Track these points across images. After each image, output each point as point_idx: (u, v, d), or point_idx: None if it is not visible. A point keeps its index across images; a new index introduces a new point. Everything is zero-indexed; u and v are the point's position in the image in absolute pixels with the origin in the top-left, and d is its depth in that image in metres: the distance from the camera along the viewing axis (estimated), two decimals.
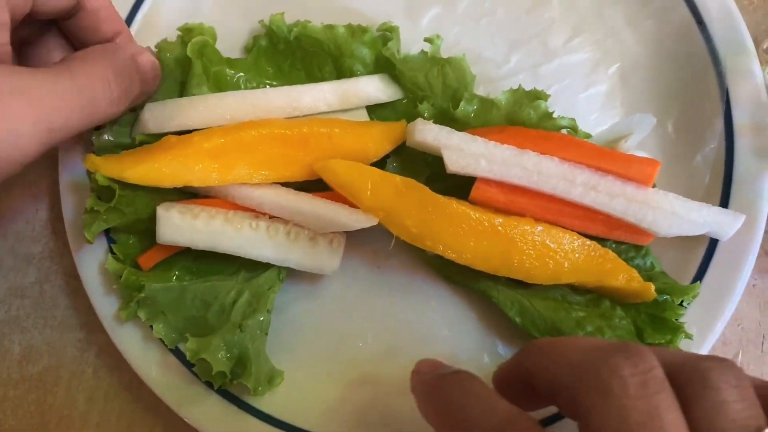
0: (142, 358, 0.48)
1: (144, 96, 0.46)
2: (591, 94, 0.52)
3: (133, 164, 0.44)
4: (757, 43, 0.51)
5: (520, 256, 0.44)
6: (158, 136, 0.46)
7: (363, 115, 0.49)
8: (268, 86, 0.50)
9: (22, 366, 0.53)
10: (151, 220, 0.45)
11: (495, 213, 0.45)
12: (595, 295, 0.47)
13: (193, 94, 0.48)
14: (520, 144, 0.44)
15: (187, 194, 0.47)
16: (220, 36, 0.51)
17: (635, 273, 0.45)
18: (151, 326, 0.47)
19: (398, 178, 0.44)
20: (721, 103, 0.49)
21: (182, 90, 0.49)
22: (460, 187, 0.46)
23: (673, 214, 0.44)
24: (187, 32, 0.49)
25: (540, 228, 0.44)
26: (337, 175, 0.44)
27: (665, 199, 0.44)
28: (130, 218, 0.46)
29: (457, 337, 0.49)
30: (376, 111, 0.49)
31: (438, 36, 0.48)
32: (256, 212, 0.47)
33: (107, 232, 0.48)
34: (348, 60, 0.49)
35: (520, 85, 0.47)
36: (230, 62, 0.50)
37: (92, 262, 0.49)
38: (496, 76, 0.52)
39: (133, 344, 0.48)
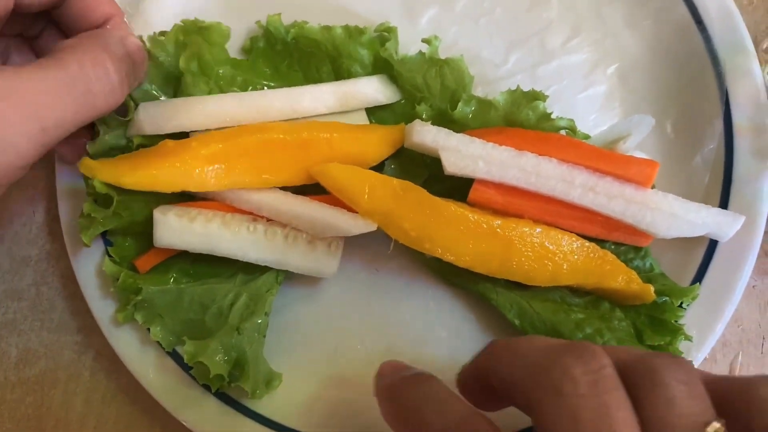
0: (139, 361, 0.48)
1: (136, 83, 0.44)
2: (590, 95, 0.51)
3: (130, 170, 0.44)
4: (757, 43, 0.50)
5: (518, 257, 0.44)
6: (154, 137, 0.46)
7: (362, 118, 0.48)
8: (265, 87, 0.50)
9: (19, 369, 0.53)
10: (148, 223, 0.45)
11: (493, 215, 0.44)
12: (594, 297, 0.47)
13: (190, 94, 0.47)
14: (519, 145, 0.44)
15: (184, 196, 0.47)
16: None
17: (634, 274, 0.45)
18: (149, 329, 0.47)
19: (395, 181, 0.44)
20: (720, 103, 0.49)
21: (177, 86, 0.48)
22: (459, 188, 0.46)
23: (672, 215, 0.44)
24: (195, 29, 0.48)
25: (539, 229, 0.44)
26: (334, 180, 0.44)
27: (664, 201, 0.44)
28: (126, 221, 0.46)
29: (455, 339, 0.49)
30: (374, 112, 0.49)
31: (436, 37, 0.48)
32: (253, 215, 0.46)
33: (104, 235, 0.48)
34: (346, 61, 0.49)
35: (518, 86, 0.47)
36: (232, 62, 0.49)
37: (89, 265, 0.49)
38: (494, 76, 0.52)
39: (130, 347, 0.48)
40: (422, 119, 0.47)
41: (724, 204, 0.48)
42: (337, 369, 0.49)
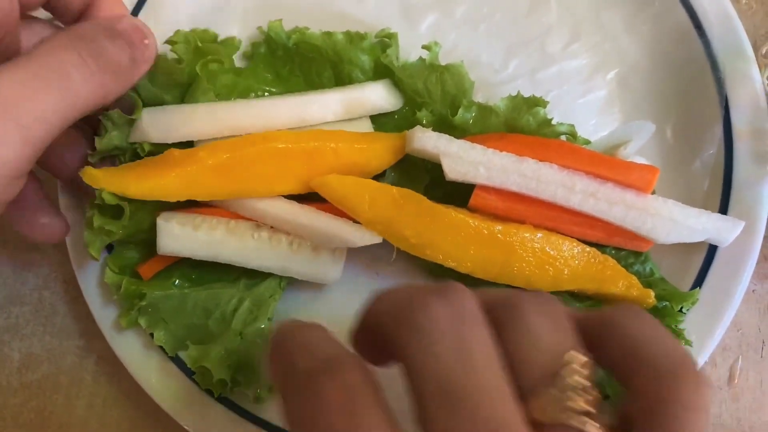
0: (142, 366, 0.48)
1: (142, 65, 0.40)
2: (589, 100, 0.52)
3: (136, 180, 0.44)
4: (756, 48, 0.51)
5: (519, 263, 0.44)
6: (160, 145, 0.45)
7: (367, 126, 0.49)
8: (267, 93, 0.50)
9: (22, 373, 0.53)
10: (151, 230, 0.45)
11: (494, 220, 0.45)
12: (594, 302, 0.47)
13: (198, 100, 0.47)
14: (519, 151, 0.44)
15: (187, 202, 0.47)
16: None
17: (635, 280, 0.45)
18: (151, 334, 0.47)
19: (395, 189, 0.44)
20: (719, 108, 0.49)
21: (184, 92, 0.48)
22: (460, 193, 0.46)
23: (672, 221, 0.44)
24: (203, 38, 0.48)
25: (539, 235, 0.44)
26: (334, 190, 0.44)
27: (664, 206, 0.44)
28: (132, 230, 0.46)
29: None
30: (375, 118, 0.49)
31: (436, 43, 0.48)
32: (258, 222, 0.46)
33: None
34: (347, 66, 0.49)
35: (518, 91, 0.47)
36: (233, 70, 0.49)
37: (91, 270, 0.49)
38: (494, 81, 0.52)
39: (132, 352, 0.48)
40: (423, 125, 0.47)
41: (724, 208, 0.48)
42: None
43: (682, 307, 0.46)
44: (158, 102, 0.47)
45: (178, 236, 0.45)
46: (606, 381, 0.30)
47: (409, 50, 0.50)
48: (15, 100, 0.34)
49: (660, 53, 0.52)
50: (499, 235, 0.44)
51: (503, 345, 0.28)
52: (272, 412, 0.47)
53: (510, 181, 0.44)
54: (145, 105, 0.46)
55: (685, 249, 0.47)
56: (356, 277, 0.50)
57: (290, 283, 0.49)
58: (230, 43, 0.49)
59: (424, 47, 0.48)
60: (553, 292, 0.45)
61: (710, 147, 0.49)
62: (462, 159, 0.44)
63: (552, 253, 0.44)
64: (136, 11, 0.51)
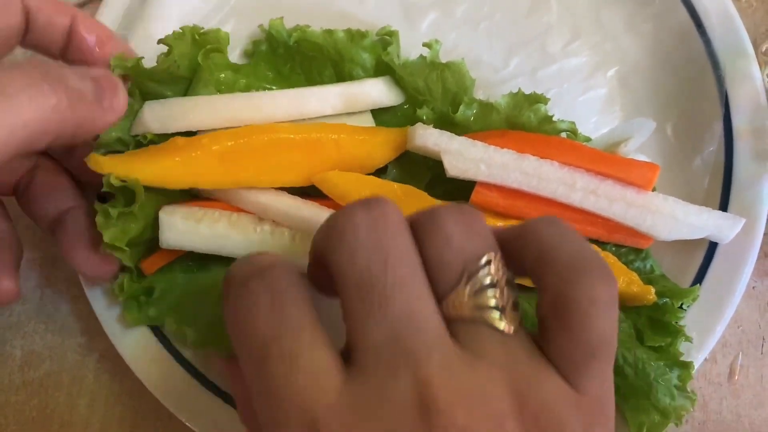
0: (144, 364, 0.48)
1: (110, 113, 0.39)
2: (590, 98, 0.52)
3: (140, 165, 0.43)
4: (756, 46, 0.51)
5: None
6: (163, 135, 0.45)
7: (369, 120, 0.49)
8: (268, 90, 0.50)
9: (24, 371, 0.53)
10: (147, 229, 0.45)
11: (495, 217, 0.45)
12: None
13: (199, 93, 0.47)
14: (520, 148, 0.45)
15: (187, 195, 0.47)
16: None
17: (635, 276, 0.45)
18: (156, 328, 0.47)
19: (396, 185, 0.44)
20: (720, 106, 0.49)
21: (188, 88, 0.48)
22: (461, 190, 0.46)
23: (672, 218, 0.44)
24: (201, 35, 0.48)
25: None
26: (336, 186, 0.44)
27: (665, 204, 0.44)
28: (142, 224, 0.45)
29: None
30: (376, 116, 0.49)
31: (437, 41, 0.48)
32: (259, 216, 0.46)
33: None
34: (348, 64, 0.49)
35: (519, 89, 0.47)
36: (233, 67, 0.50)
37: None
38: (494, 80, 0.52)
39: (134, 349, 0.48)
40: (424, 122, 0.47)
41: (724, 205, 0.48)
42: None
43: (682, 304, 0.46)
44: (160, 98, 0.47)
45: (181, 230, 0.45)
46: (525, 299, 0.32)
47: (409, 49, 0.50)
48: None
49: (660, 51, 0.52)
50: None
51: (422, 251, 0.30)
52: None
53: (511, 179, 0.44)
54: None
55: (685, 246, 0.48)
56: None
57: None
58: (216, 35, 0.48)
59: (424, 45, 0.48)
60: None
61: (710, 145, 0.49)
62: (463, 156, 0.44)
63: None
64: (134, 10, 0.51)
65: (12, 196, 0.47)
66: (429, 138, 0.45)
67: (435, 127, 0.46)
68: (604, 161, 0.45)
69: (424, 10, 0.53)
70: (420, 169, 0.48)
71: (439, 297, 0.29)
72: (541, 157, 0.44)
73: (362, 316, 0.28)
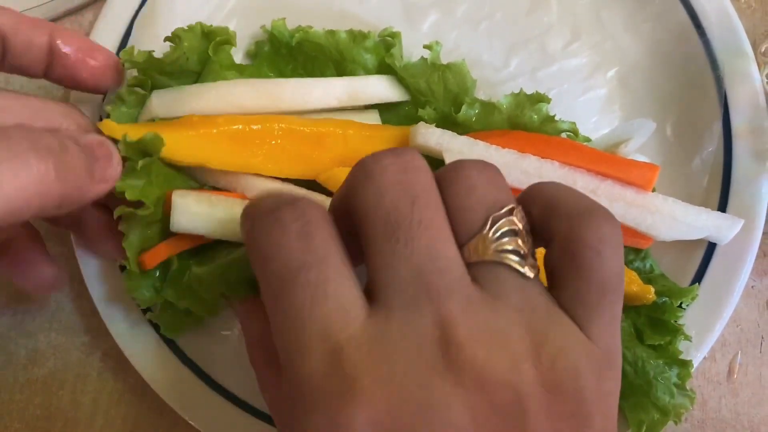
0: (147, 362, 0.48)
1: (101, 184, 0.37)
2: (590, 98, 0.52)
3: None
4: (755, 46, 0.51)
5: None
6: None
7: (375, 118, 0.49)
8: None
9: (28, 370, 0.53)
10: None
11: None
12: None
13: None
14: (522, 148, 0.45)
15: (192, 183, 0.46)
16: None
17: (635, 276, 0.46)
18: (160, 326, 0.47)
19: None
20: (719, 106, 0.49)
21: (196, 82, 0.48)
22: None
23: (672, 218, 0.45)
24: (210, 30, 0.48)
25: None
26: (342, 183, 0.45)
27: (664, 204, 0.45)
28: (157, 192, 0.44)
29: None
30: (380, 114, 0.50)
31: (437, 42, 0.49)
32: None
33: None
34: (350, 65, 0.49)
35: (521, 88, 0.47)
36: (238, 68, 0.50)
37: (96, 267, 0.49)
38: (495, 80, 0.52)
39: (138, 348, 0.49)
40: (426, 122, 0.47)
41: (723, 205, 0.48)
42: None
43: (681, 303, 0.46)
44: None
45: (194, 213, 0.43)
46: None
47: (410, 50, 0.50)
48: None
49: (660, 52, 0.52)
50: None
51: (446, 200, 0.30)
52: None
53: (512, 178, 0.44)
54: None
55: (684, 245, 0.48)
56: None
57: None
58: (230, 33, 0.49)
59: (425, 47, 0.49)
60: None
61: (710, 145, 0.50)
62: (465, 155, 0.44)
63: None
64: (138, 10, 0.52)
65: None
66: (431, 137, 0.45)
67: (437, 126, 0.46)
68: (605, 161, 0.45)
69: (424, 10, 0.53)
70: None
71: (461, 243, 0.30)
72: (542, 157, 0.45)
73: (387, 254, 0.29)
